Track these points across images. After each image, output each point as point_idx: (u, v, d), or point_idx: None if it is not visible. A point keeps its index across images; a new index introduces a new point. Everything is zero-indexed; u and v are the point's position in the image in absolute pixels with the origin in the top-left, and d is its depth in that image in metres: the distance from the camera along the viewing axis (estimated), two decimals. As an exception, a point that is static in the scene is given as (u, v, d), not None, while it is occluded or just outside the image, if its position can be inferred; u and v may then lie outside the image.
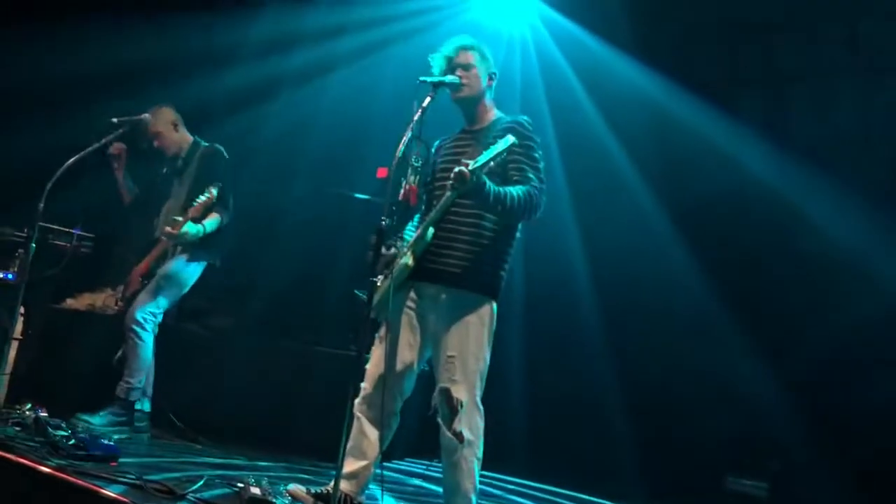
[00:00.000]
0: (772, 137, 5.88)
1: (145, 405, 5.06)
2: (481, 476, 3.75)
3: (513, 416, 5.99)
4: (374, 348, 3.82)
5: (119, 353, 5.05)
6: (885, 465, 5.21)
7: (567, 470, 5.78)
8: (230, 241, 5.13)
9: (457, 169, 3.45)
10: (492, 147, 3.48)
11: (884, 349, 5.34)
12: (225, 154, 5.19)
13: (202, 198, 4.72)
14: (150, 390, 5.07)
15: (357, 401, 3.78)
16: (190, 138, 5.26)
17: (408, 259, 3.65)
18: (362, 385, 3.80)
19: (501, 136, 3.60)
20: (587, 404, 6.10)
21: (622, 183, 6.31)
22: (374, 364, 3.79)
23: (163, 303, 5.00)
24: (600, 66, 6.33)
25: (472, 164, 3.43)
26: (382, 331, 3.82)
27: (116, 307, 5.15)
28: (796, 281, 5.72)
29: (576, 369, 6.23)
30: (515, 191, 3.59)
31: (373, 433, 3.75)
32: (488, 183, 3.52)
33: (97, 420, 4.79)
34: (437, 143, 3.98)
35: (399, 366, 3.76)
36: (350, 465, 3.76)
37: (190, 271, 5.06)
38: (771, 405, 5.65)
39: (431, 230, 3.66)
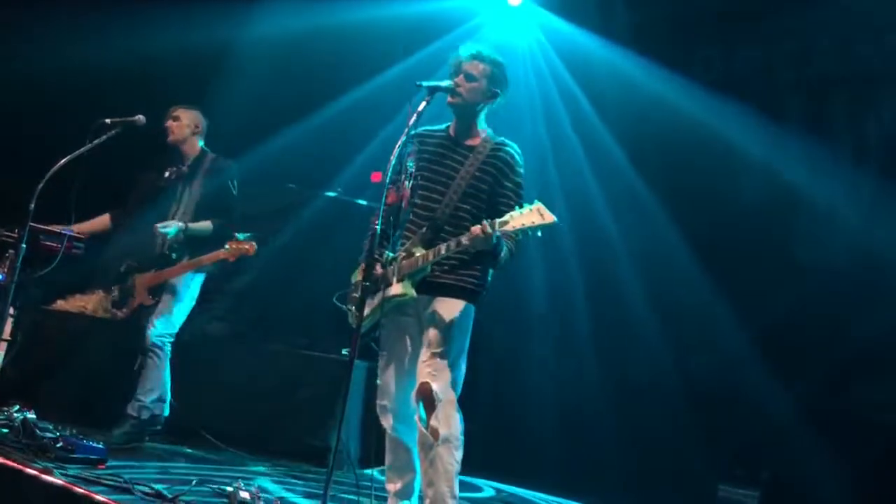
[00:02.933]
0: (813, 145, 5.81)
1: (165, 410, 5.10)
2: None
3: (500, 421, 5.99)
4: (380, 363, 3.87)
5: (139, 361, 5.08)
6: (879, 476, 5.20)
7: (554, 476, 5.76)
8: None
9: (479, 229, 3.47)
10: (524, 217, 3.45)
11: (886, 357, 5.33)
12: (235, 167, 5.25)
13: (242, 247, 4.83)
14: (168, 397, 5.12)
15: (381, 419, 3.85)
16: (199, 148, 5.29)
17: (410, 291, 3.66)
18: (379, 403, 3.85)
19: (497, 165, 3.72)
20: (577, 410, 6.08)
21: (632, 191, 6.30)
22: (383, 377, 3.84)
23: (178, 321, 5.08)
24: (605, 71, 6.31)
25: (497, 226, 3.45)
26: (382, 344, 3.85)
27: (121, 314, 5.16)
28: (801, 286, 5.68)
29: (566, 376, 6.21)
30: (515, 250, 3.68)
31: (408, 444, 3.81)
32: (503, 249, 3.59)
33: (115, 437, 4.84)
34: (419, 130, 3.87)
35: (407, 373, 3.80)
36: (396, 484, 3.83)
37: (196, 283, 5.13)
38: (764, 414, 5.65)
39: (430, 264, 3.67)
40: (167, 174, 5.26)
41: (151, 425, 5.02)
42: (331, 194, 6.29)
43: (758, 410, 5.64)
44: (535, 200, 3.49)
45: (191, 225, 5.02)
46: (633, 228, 6.26)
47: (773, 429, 5.61)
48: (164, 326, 5.01)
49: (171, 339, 5.05)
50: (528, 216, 3.44)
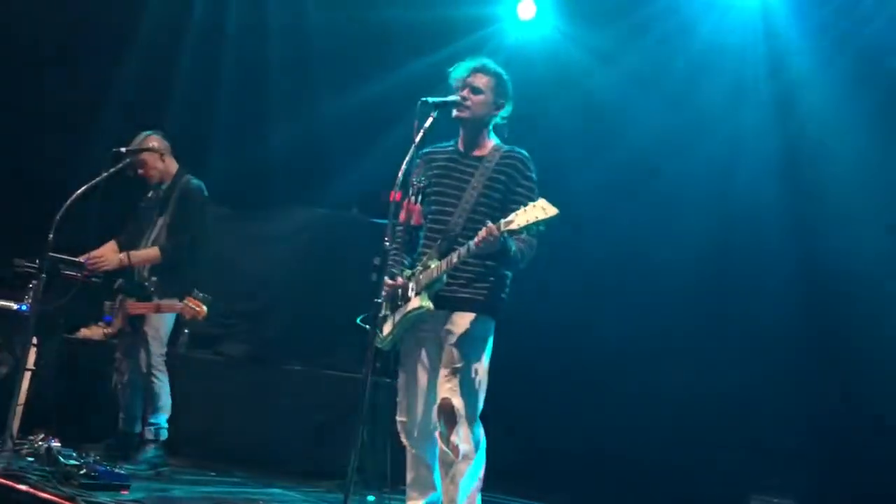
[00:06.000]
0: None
1: (137, 427, 5.08)
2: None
3: (527, 436, 5.93)
4: (399, 380, 3.86)
5: (114, 378, 5.07)
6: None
7: (578, 489, 5.70)
8: (200, 276, 5.10)
9: (486, 232, 3.46)
10: (528, 213, 3.43)
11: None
12: (203, 193, 5.18)
13: (195, 309, 4.79)
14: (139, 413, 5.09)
15: (402, 436, 3.83)
16: (175, 168, 5.24)
17: (427, 303, 3.64)
18: (399, 419, 3.84)
19: (507, 171, 3.73)
20: (606, 422, 6.01)
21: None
22: (403, 394, 3.83)
23: (165, 338, 5.08)
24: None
25: (503, 226, 3.45)
26: (402, 360, 3.85)
27: (110, 330, 5.22)
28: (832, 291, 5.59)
29: (594, 388, 6.14)
30: (526, 250, 3.66)
31: (428, 461, 3.78)
32: (513, 248, 3.58)
33: (141, 469, 4.82)
34: (426, 150, 3.90)
35: (427, 390, 3.78)
36: (417, 501, 3.80)
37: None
38: (797, 422, 5.56)
39: (446, 276, 3.66)
40: (149, 195, 5.26)
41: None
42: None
43: (792, 418, 5.56)
44: (539, 197, 3.51)
45: (132, 254, 5.00)
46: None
47: (806, 438, 5.52)
48: (155, 347, 4.99)
49: (165, 358, 5.03)
50: (532, 212, 3.44)
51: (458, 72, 3.83)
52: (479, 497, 3.67)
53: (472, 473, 3.61)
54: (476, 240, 3.51)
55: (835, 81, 5.69)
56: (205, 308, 4.81)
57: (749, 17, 6.02)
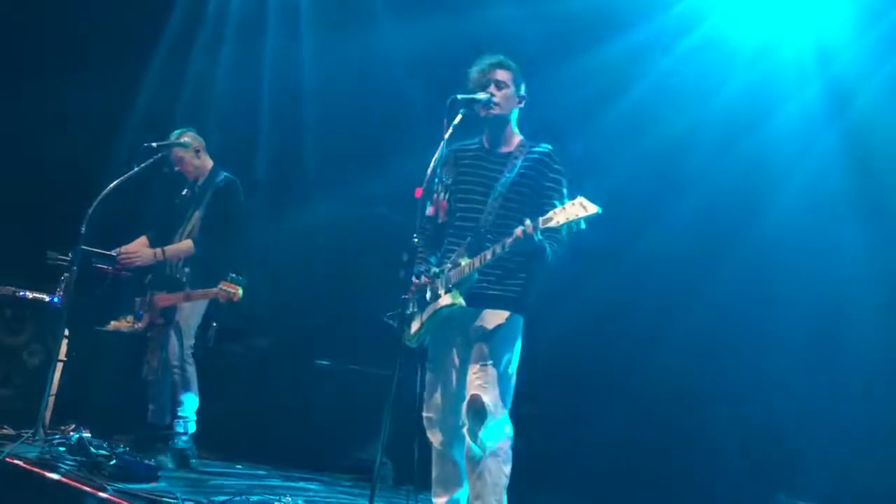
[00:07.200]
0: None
1: (166, 419, 5.13)
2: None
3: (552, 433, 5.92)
4: (427, 376, 3.85)
5: (144, 370, 5.15)
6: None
7: (609, 489, 5.68)
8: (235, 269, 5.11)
9: (520, 230, 3.45)
10: (567, 211, 3.41)
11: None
12: (238, 189, 5.25)
13: (229, 291, 4.83)
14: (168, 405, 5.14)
15: (428, 432, 3.83)
16: (210, 164, 5.32)
17: (459, 300, 3.64)
18: (426, 416, 3.84)
19: (534, 167, 3.71)
20: (631, 420, 5.99)
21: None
22: (430, 391, 3.83)
23: (193, 332, 5.13)
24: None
25: (541, 224, 3.43)
26: (430, 357, 3.85)
27: (140, 325, 5.27)
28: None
29: (619, 388, 6.12)
30: (558, 248, 3.64)
31: (455, 457, 3.78)
32: (548, 249, 3.58)
33: (169, 460, 4.87)
34: (453, 147, 3.88)
35: (455, 387, 3.78)
36: (442, 497, 3.80)
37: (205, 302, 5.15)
38: (823, 422, 5.50)
39: (477, 273, 3.66)
40: (184, 192, 5.33)
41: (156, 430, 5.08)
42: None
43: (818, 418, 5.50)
44: (577, 194, 3.45)
45: (167, 249, 5.07)
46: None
47: (833, 437, 5.47)
48: (185, 339, 5.04)
49: (193, 351, 5.09)
50: (571, 209, 3.40)
51: (478, 70, 3.81)
52: (505, 494, 3.66)
53: (499, 469, 3.61)
54: (511, 238, 3.50)
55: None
56: (240, 290, 4.85)
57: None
